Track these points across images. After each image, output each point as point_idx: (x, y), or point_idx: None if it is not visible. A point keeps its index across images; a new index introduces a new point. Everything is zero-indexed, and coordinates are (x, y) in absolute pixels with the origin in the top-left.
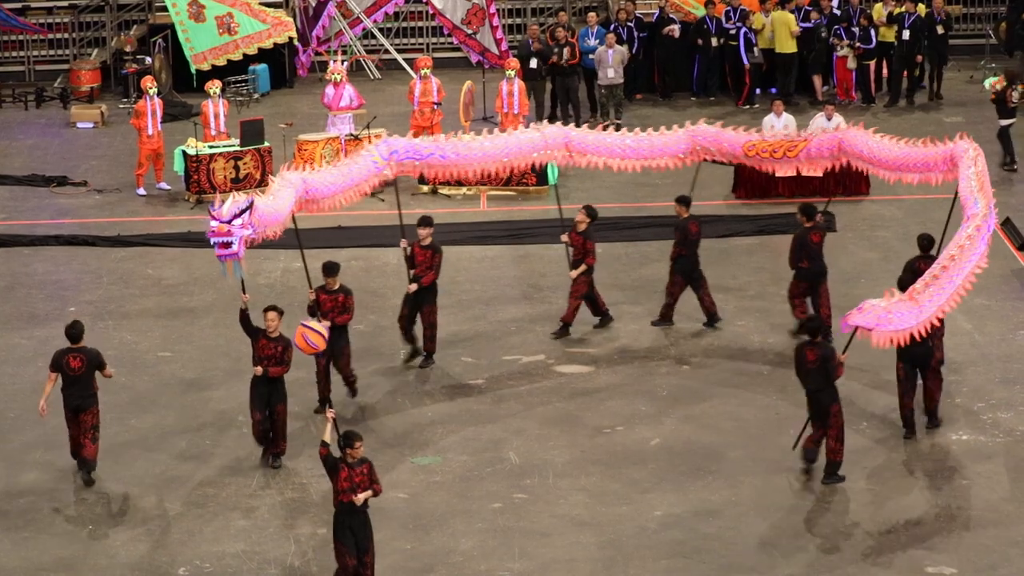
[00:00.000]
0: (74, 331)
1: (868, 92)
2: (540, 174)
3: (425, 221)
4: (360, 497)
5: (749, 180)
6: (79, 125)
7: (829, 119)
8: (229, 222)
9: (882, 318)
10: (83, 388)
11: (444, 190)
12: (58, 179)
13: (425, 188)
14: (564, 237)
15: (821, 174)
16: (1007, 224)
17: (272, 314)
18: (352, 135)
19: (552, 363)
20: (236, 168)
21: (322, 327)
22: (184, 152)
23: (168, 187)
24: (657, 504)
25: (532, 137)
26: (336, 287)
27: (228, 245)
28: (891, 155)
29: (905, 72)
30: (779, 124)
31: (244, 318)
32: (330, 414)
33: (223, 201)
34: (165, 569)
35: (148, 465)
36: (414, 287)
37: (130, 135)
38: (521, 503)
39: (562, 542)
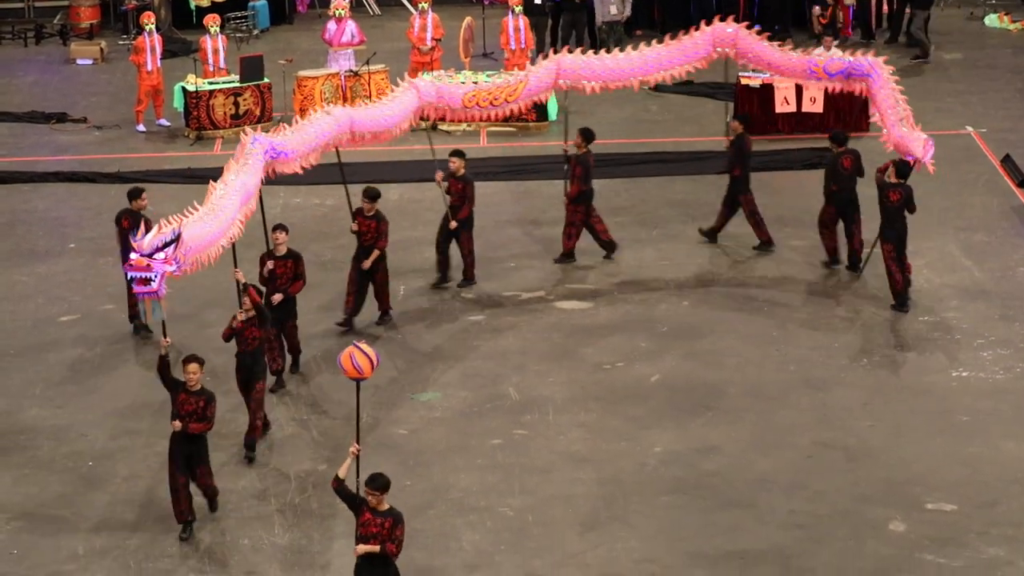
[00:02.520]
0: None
1: (868, 28)
2: (540, 110)
3: (456, 153)
4: (361, 549)
5: (749, 116)
6: (79, 62)
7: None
8: (150, 255)
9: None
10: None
11: (444, 126)
12: (58, 116)
13: (424, 124)
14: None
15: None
16: (1007, 160)
17: (193, 366)
18: (352, 71)
19: (552, 299)
20: (236, 104)
21: (372, 351)
22: (184, 88)
23: (168, 123)
24: (657, 440)
25: None
26: (372, 213)
27: (147, 282)
28: (609, 67)
29: (908, 9)
30: None
31: (163, 366)
32: (353, 449)
33: (146, 231)
34: (165, 505)
35: (148, 399)
36: (454, 224)
37: (129, 72)
38: (521, 439)
39: (562, 478)
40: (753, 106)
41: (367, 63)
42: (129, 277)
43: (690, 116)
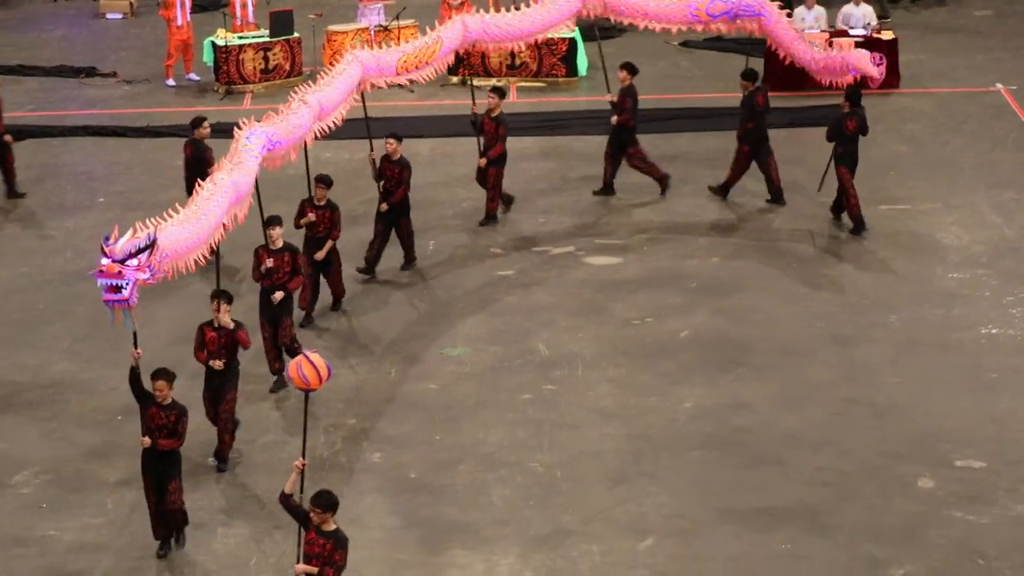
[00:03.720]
0: None
1: None
2: (570, 66)
3: (495, 89)
4: (299, 569)
5: (781, 72)
6: (108, 16)
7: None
8: (122, 262)
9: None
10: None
11: (474, 81)
12: (87, 70)
13: (455, 79)
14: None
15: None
16: None
17: (161, 383)
18: (382, 26)
19: (582, 254)
20: (265, 59)
21: (324, 364)
22: (213, 43)
23: (197, 78)
24: (686, 396)
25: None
26: (323, 202)
27: (117, 289)
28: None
29: None
30: (809, 17)
31: (134, 378)
32: (299, 464)
33: (119, 236)
34: (195, 459)
35: (180, 353)
36: (483, 161)
37: (159, 26)
38: (550, 395)
39: (591, 434)
40: (783, 62)
41: (397, 18)
42: (99, 284)
43: (720, 72)
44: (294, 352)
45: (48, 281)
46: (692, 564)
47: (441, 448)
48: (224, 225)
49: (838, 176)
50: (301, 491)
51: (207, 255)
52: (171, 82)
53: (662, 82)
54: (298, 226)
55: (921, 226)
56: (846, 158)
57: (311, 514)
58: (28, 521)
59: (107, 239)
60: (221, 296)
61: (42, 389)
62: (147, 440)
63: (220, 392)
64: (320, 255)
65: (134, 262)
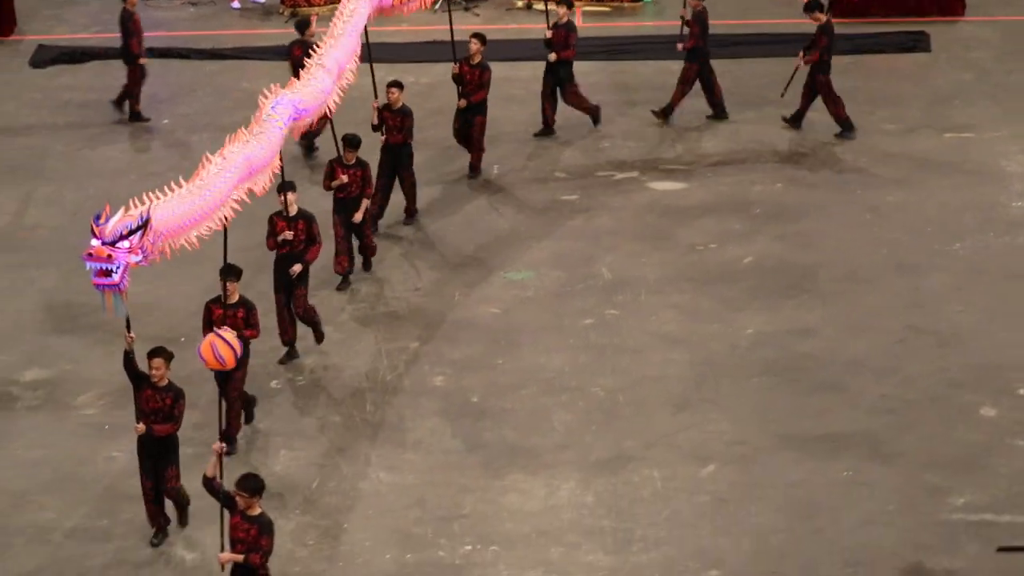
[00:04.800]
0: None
1: None
2: None
3: (477, 36)
4: (223, 558)
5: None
6: None
7: None
8: (112, 244)
9: None
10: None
11: (538, 5)
12: None
13: (520, 3)
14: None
15: None
16: None
17: (158, 361)
18: None
19: (645, 180)
20: None
21: (236, 341)
22: None
23: (263, 1)
24: (749, 322)
25: None
26: (354, 161)
27: (107, 273)
28: None
29: None
30: None
31: (128, 360)
32: (216, 447)
33: (109, 215)
34: (260, 382)
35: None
36: (463, 103)
37: None
38: (613, 319)
39: (654, 359)
40: None
41: None
42: (88, 267)
43: None
44: (308, 321)
45: (113, 204)
46: (753, 490)
47: (503, 372)
48: (236, 201)
49: (817, 85)
50: (221, 476)
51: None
52: (236, 4)
53: (731, 8)
54: (328, 188)
55: (985, 154)
56: (824, 66)
57: (237, 498)
58: (91, 442)
59: (97, 218)
60: (229, 273)
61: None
62: (141, 427)
63: (227, 371)
64: (358, 216)
65: (125, 244)
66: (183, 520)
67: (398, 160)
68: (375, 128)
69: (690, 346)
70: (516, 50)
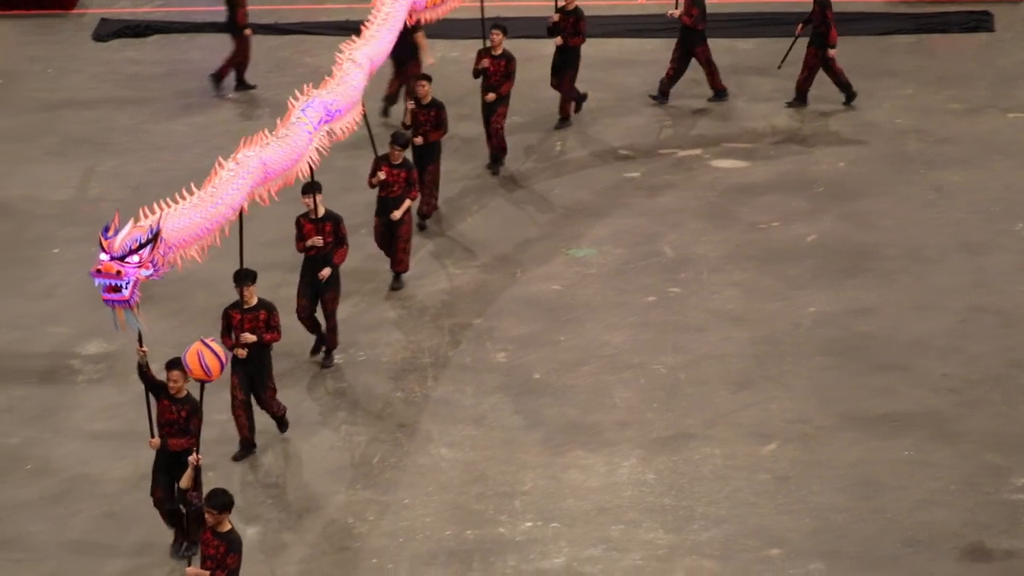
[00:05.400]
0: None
1: None
2: None
3: (498, 28)
4: (190, 572)
5: None
6: None
7: None
8: (121, 259)
9: None
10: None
11: None
12: None
13: None
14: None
15: None
16: None
17: (176, 373)
18: None
19: (708, 157)
20: None
21: (222, 351)
22: None
23: None
24: (811, 301)
25: None
26: (400, 161)
27: (117, 289)
28: None
29: None
30: None
31: (143, 372)
32: (193, 460)
33: (118, 227)
34: (321, 358)
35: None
36: (492, 96)
37: None
38: (675, 297)
39: (715, 337)
40: None
41: None
42: (96, 283)
43: None
44: (330, 325)
45: (177, 177)
46: (814, 469)
47: (565, 349)
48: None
49: (819, 58)
50: (199, 487)
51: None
52: None
53: None
54: (371, 185)
55: None
56: (819, 38)
57: (206, 515)
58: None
59: (106, 231)
60: (244, 278)
61: (170, 283)
62: (156, 441)
63: (256, 383)
64: (396, 214)
65: (135, 259)
66: (197, 534)
67: (429, 154)
68: (406, 127)
69: (752, 324)
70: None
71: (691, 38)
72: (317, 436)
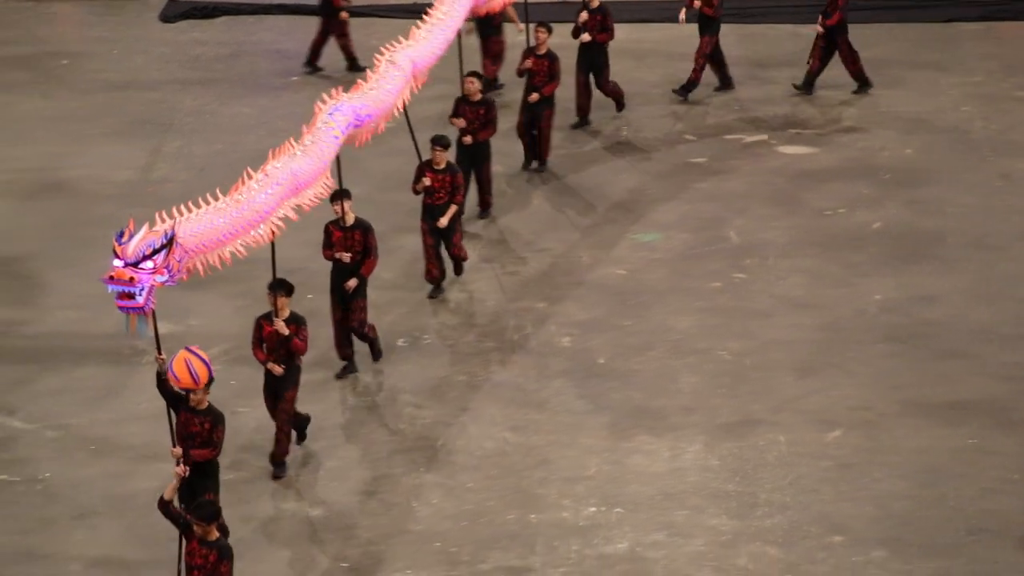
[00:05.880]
0: None
1: None
2: None
3: (542, 26)
4: None
5: None
6: None
7: None
8: (134, 265)
9: None
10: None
11: None
12: None
13: None
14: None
15: None
16: None
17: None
18: None
19: (775, 143)
20: None
21: (207, 357)
22: None
23: None
24: (876, 288)
25: None
26: (443, 165)
27: (130, 296)
28: None
29: None
30: None
31: (161, 382)
32: (179, 470)
33: (132, 232)
34: (387, 340)
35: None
36: (535, 96)
37: None
38: (741, 283)
39: (781, 323)
40: None
41: None
42: (109, 289)
43: None
44: (364, 337)
45: (241, 159)
46: (877, 456)
47: (630, 334)
48: (278, 222)
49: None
50: (181, 499)
51: (243, 250)
52: None
53: None
54: (416, 192)
55: None
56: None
57: (193, 525)
58: (216, 398)
59: (120, 236)
60: (278, 288)
61: (236, 266)
62: (178, 451)
63: (278, 390)
64: (443, 222)
65: (149, 264)
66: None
67: (477, 154)
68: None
69: (817, 311)
70: (645, 11)
71: (708, 26)
72: (380, 418)
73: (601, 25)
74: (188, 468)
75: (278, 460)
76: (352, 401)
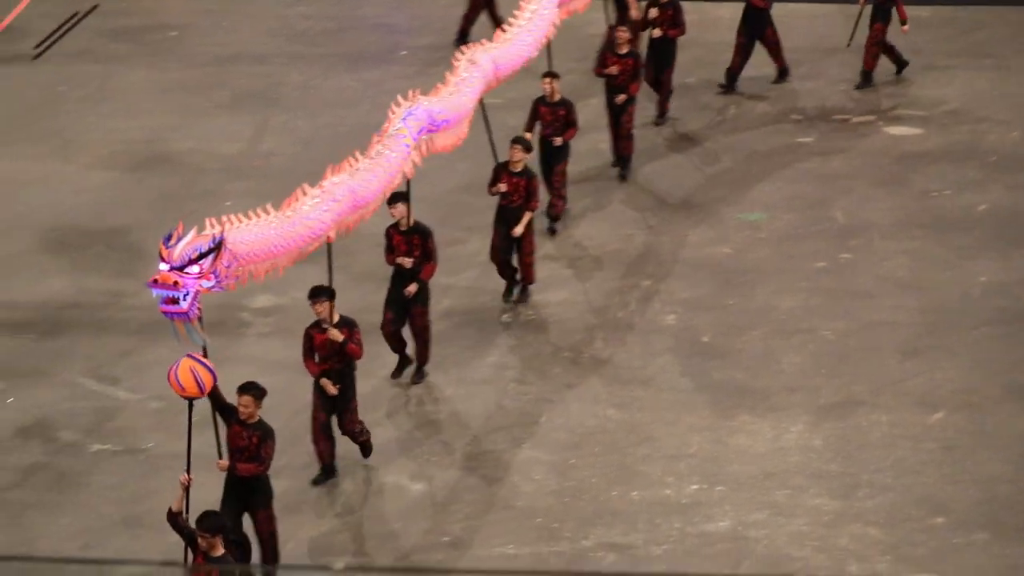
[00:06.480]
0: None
1: None
2: None
3: (622, 26)
4: None
5: None
6: None
7: None
8: (180, 269)
9: None
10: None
11: None
12: None
13: None
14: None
15: None
16: None
17: (246, 398)
18: None
19: (882, 124)
20: None
21: (209, 362)
22: None
23: None
24: (982, 270)
25: None
26: (521, 168)
27: (174, 301)
28: None
29: None
30: None
31: (211, 392)
32: (183, 479)
33: (180, 236)
34: (490, 316)
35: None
36: (623, 97)
37: None
38: (845, 263)
39: (885, 304)
40: None
41: None
42: (154, 294)
43: None
44: (421, 341)
45: (346, 133)
46: (980, 439)
47: (734, 313)
48: (329, 237)
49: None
50: (187, 511)
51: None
52: None
53: None
54: (491, 194)
55: None
56: (881, 12)
57: (199, 538)
58: None
59: (167, 239)
60: (322, 294)
61: (337, 241)
62: (224, 463)
63: (339, 401)
64: (517, 230)
65: (195, 269)
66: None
67: (555, 155)
68: (527, 130)
69: (922, 292)
70: None
71: (759, 19)
72: (484, 394)
73: (672, 20)
74: (191, 478)
75: (364, 445)
76: (455, 375)
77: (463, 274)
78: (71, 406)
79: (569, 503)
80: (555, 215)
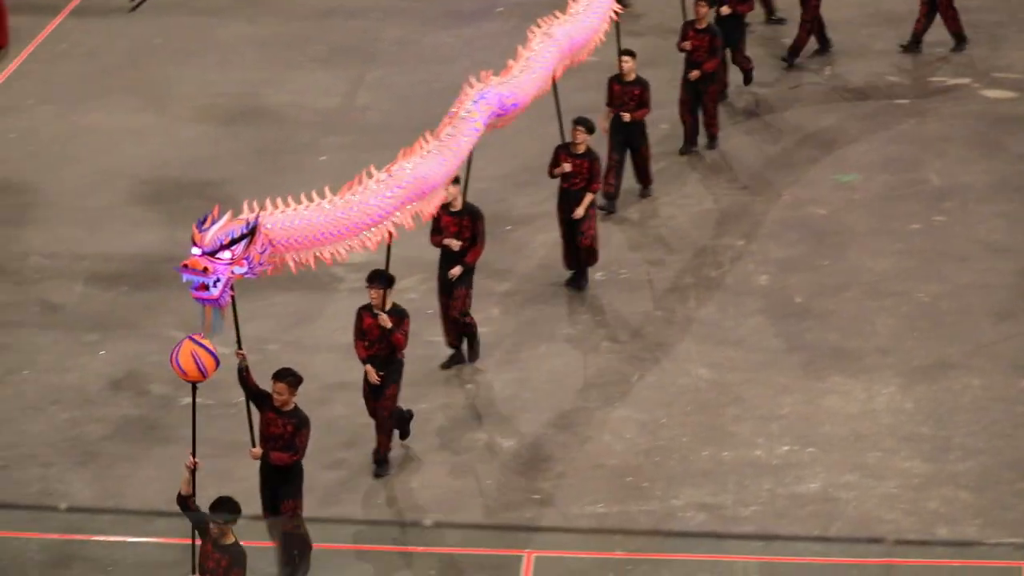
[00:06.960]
0: None
1: None
2: None
3: (704, 1)
4: None
5: None
6: None
7: None
8: (211, 254)
9: None
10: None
11: None
12: None
13: None
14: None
15: None
16: None
17: (281, 385)
18: None
19: (978, 87)
20: None
21: (212, 346)
22: None
23: None
24: None
25: None
26: (584, 150)
27: (206, 287)
28: None
29: None
30: None
31: (244, 379)
32: (189, 463)
33: (215, 220)
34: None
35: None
36: (696, 73)
37: None
38: (940, 225)
39: (979, 267)
40: None
41: None
42: (184, 279)
43: None
44: (464, 327)
45: (442, 90)
46: None
47: (827, 273)
48: (390, 231)
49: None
50: (193, 492)
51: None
52: None
53: None
54: (552, 175)
55: None
56: None
57: (210, 525)
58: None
59: (201, 223)
60: (379, 280)
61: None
62: (257, 452)
63: (379, 386)
64: (579, 212)
65: (227, 255)
66: (299, 567)
67: (631, 135)
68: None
69: (1016, 255)
70: None
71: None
72: (575, 351)
73: None
74: (197, 461)
75: (380, 458)
76: (548, 332)
77: (552, 232)
78: (162, 359)
79: (660, 462)
80: (643, 193)
